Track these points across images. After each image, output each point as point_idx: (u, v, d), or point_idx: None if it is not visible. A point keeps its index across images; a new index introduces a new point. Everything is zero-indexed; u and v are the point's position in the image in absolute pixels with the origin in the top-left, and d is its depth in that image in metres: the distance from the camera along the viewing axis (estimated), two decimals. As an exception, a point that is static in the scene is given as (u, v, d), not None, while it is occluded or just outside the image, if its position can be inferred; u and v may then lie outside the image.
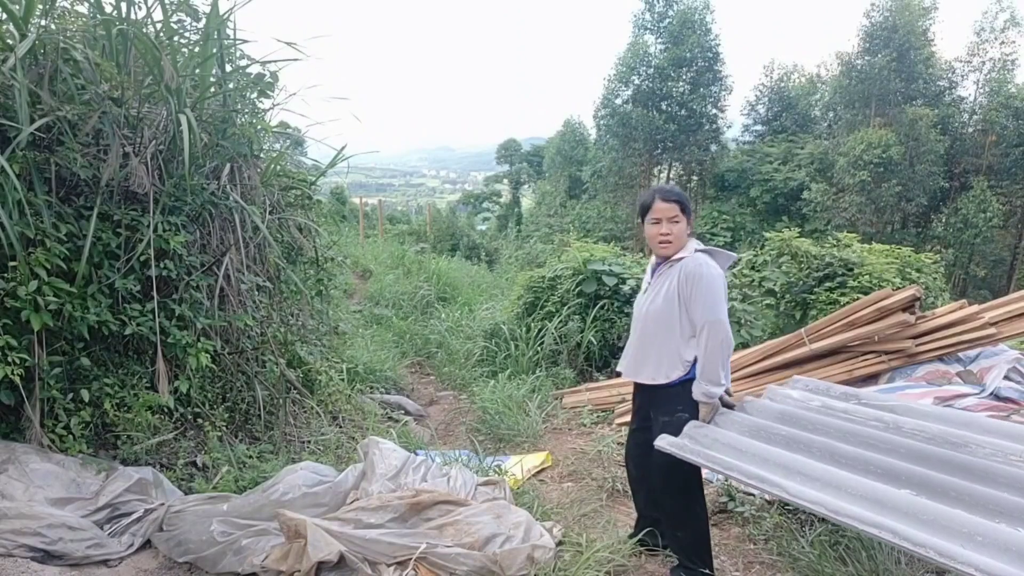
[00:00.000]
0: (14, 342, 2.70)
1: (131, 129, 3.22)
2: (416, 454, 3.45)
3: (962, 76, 27.86)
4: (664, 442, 2.47)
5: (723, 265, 2.61)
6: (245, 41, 3.87)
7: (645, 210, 2.65)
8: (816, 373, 4.19)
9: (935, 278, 6.21)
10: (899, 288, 4.54)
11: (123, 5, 3.21)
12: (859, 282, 5.40)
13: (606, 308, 5.82)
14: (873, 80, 26.30)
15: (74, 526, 2.66)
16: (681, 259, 2.57)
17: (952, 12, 31.48)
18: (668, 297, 2.57)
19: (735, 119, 32.61)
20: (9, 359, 2.67)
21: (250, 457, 3.54)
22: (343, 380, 4.82)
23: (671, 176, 32.83)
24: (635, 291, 7.28)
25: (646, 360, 2.67)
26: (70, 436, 2.99)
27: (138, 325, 3.10)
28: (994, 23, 26.95)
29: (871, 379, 4.07)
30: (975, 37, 27.40)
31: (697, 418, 2.60)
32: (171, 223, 3.25)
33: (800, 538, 2.84)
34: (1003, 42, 26.80)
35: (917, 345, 3.97)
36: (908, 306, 3.98)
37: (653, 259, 2.80)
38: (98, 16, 3.27)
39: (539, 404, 4.94)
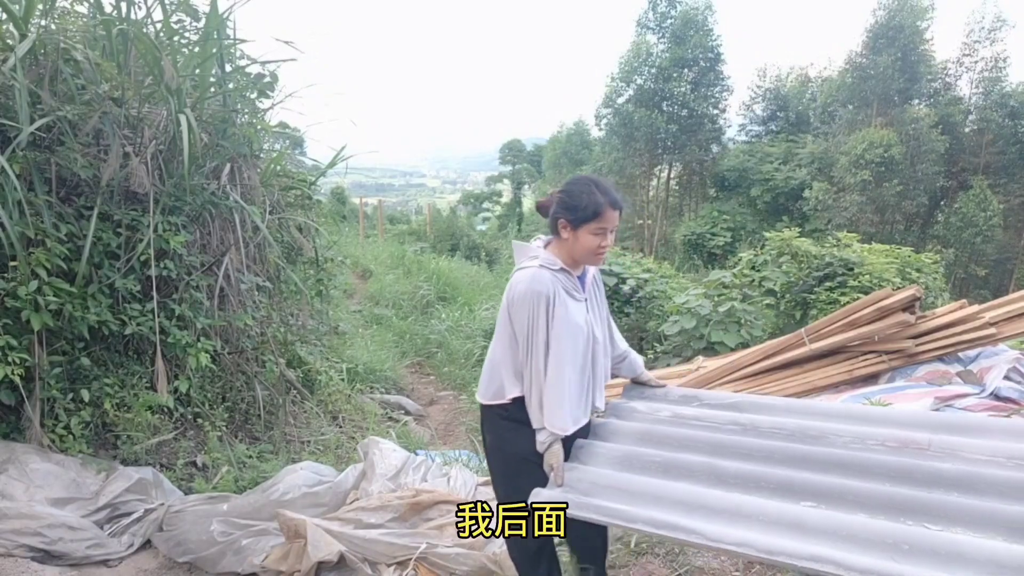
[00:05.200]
0: (14, 342, 2.70)
1: (131, 129, 3.22)
2: (416, 454, 3.45)
3: (956, 76, 27.84)
4: (542, 498, 1.92)
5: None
6: (244, 41, 3.88)
7: (589, 216, 1.99)
8: (816, 373, 4.19)
9: (935, 278, 6.21)
10: (899, 288, 4.53)
11: (123, 5, 3.22)
12: (859, 282, 5.39)
13: (606, 308, 5.80)
14: (877, 79, 26.25)
15: (74, 526, 2.67)
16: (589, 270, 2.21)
17: (947, 12, 31.50)
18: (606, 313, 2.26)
19: (734, 119, 32.62)
20: (9, 359, 2.67)
21: (250, 457, 3.55)
22: (343, 380, 4.83)
23: (672, 176, 32.81)
24: (635, 290, 7.23)
25: (600, 385, 2.22)
26: (70, 436, 3.00)
27: (138, 325, 3.10)
28: (982, 23, 26.93)
29: (871, 379, 4.07)
30: (966, 37, 27.40)
31: None
32: (171, 223, 3.25)
33: (800, 538, 2.84)
34: (994, 41, 26.77)
35: (917, 345, 3.96)
36: (908, 306, 3.97)
37: (553, 267, 2.03)
38: (98, 16, 3.28)
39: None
